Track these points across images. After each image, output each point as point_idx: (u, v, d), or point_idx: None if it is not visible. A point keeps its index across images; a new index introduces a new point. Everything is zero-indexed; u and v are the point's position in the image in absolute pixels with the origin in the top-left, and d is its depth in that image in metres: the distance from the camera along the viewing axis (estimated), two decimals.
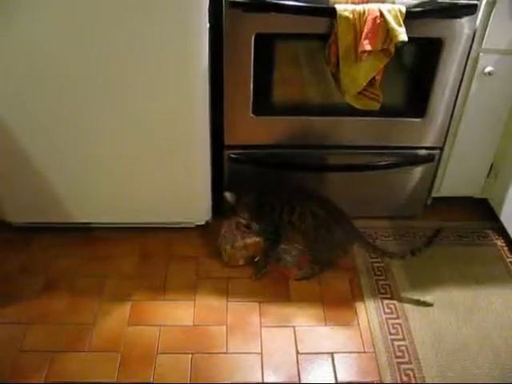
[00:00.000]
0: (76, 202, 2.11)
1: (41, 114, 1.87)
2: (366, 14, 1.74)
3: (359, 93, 1.87)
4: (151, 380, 1.68)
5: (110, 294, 1.97)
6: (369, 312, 1.93)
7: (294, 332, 1.86)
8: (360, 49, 1.76)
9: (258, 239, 2.08)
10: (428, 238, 2.07)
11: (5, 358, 1.73)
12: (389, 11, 1.73)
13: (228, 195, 2.03)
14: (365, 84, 1.83)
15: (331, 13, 1.76)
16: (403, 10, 1.75)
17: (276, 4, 1.78)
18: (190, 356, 1.76)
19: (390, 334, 1.86)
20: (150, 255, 2.15)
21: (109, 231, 2.22)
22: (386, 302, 1.97)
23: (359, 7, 1.75)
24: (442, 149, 2.17)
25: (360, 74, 1.81)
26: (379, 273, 2.09)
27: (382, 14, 1.73)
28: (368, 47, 1.74)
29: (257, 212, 2.05)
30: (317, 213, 1.98)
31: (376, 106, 1.90)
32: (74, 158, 1.99)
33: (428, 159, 2.17)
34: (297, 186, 2.16)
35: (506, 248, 2.22)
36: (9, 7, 1.64)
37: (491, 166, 2.26)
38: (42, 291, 1.97)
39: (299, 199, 2.02)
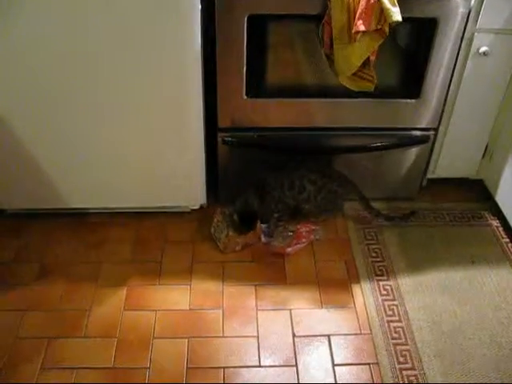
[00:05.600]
0: (70, 187, 2.10)
1: (34, 100, 1.85)
2: None
3: (353, 74, 1.85)
4: (148, 365, 1.68)
5: (106, 280, 1.97)
6: (365, 294, 1.94)
7: (291, 315, 1.86)
8: (354, 29, 1.73)
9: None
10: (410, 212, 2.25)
11: (1, 345, 1.73)
12: None
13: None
14: (359, 65, 1.81)
15: None
16: None
17: None
18: (186, 340, 1.77)
19: (387, 315, 1.86)
20: (145, 240, 2.14)
21: (103, 216, 2.22)
22: (382, 283, 1.98)
23: None
24: (436, 130, 2.17)
25: (354, 55, 1.79)
26: (375, 254, 2.09)
27: None
28: (362, 27, 1.72)
29: (261, 199, 2.11)
30: (313, 179, 2.08)
31: (370, 88, 1.88)
32: (68, 143, 1.97)
33: (423, 140, 2.16)
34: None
35: (501, 228, 2.22)
36: (11, 7, 1.64)
37: (486, 147, 2.25)
38: (37, 278, 1.97)
39: (292, 171, 2.11)
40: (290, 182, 2.10)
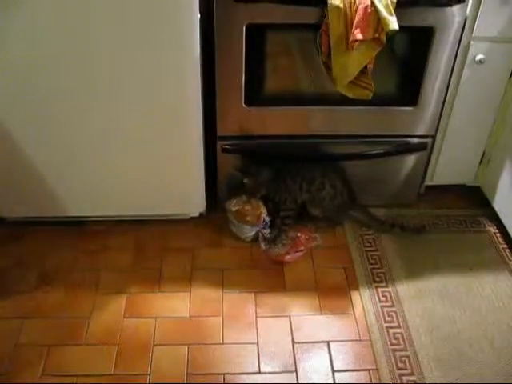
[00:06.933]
0: (70, 195, 2.10)
1: (33, 108, 1.86)
2: (357, 2, 1.74)
3: (351, 82, 1.86)
4: (148, 371, 1.69)
5: (106, 287, 1.97)
6: (364, 300, 1.94)
7: (290, 321, 1.87)
8: (351, 38, 1.75)
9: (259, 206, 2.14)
10: (416, 228, 2.23)
11: (1, 353, 1.73)
12: (380, 0, 1.73)
13: (245, 180, 2.11)
14: (356, 73, 1.83)
15: (322, 2, 1.76)
16: None
17: None
18: (186, 347, 1.77)
19: (386, 321, 1.87)
20: (145, 248, 2.14)
21: (103, 224, 2.22)
22: (381, 290, 1.98)
23: None
24: (434, 137, 2.18)
25: (351, 64, 1.81)
26: (374, 261, 2.09)
27: (372, 3, 1.72)
28: (359, 36, 1.74)
29: (275, 185, 2.14)
30: (335, 182, 2.13)
31: (368, 96, 1.90)
32: (68, 152, 1.98)
33: (420, 147, 2.17)
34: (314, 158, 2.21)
35: (498, 234, 2.23)
36: (8, 9, 1.65)
37: (483, 154, 2.27)
38: (37, 285, 1.97)
39: (317, 170, 2.14)
40: (311, 177, 2.13)
